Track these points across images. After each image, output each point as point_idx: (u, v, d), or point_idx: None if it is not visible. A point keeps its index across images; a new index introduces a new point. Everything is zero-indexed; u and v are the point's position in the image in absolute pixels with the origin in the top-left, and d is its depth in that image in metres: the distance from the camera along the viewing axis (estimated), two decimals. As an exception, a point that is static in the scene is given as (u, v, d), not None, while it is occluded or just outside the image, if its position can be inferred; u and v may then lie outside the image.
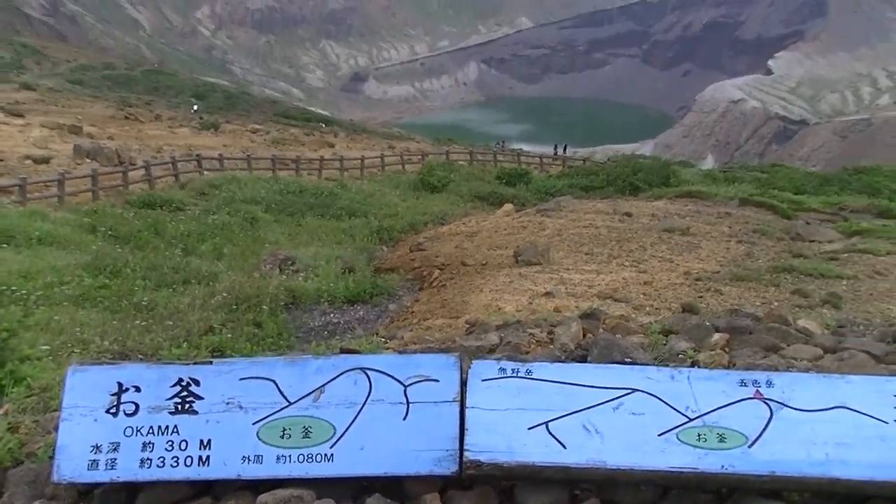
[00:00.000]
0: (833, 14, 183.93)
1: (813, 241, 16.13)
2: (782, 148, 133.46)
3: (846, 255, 14.40)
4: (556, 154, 59.74)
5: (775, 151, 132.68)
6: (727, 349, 4.80)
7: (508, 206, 23.82)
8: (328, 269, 15.53)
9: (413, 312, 12.46)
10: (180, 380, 3.80)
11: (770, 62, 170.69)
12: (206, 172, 30.31)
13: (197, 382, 3.79)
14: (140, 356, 9.53)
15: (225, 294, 12.50)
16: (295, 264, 15.81)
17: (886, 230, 16.74)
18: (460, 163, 43.92)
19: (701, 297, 11.22)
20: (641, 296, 11.34)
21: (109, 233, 17.80)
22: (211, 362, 3.93)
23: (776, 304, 10.98)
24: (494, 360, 3.88)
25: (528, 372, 3.69)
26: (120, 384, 3.80)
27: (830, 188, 27.63)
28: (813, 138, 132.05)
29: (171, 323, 11.02)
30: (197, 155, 32.07)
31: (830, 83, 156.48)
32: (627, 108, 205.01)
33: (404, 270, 15.93)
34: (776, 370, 4.05)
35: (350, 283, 14.40)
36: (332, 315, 13.20)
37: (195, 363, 3.93)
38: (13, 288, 11.22)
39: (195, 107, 63.03)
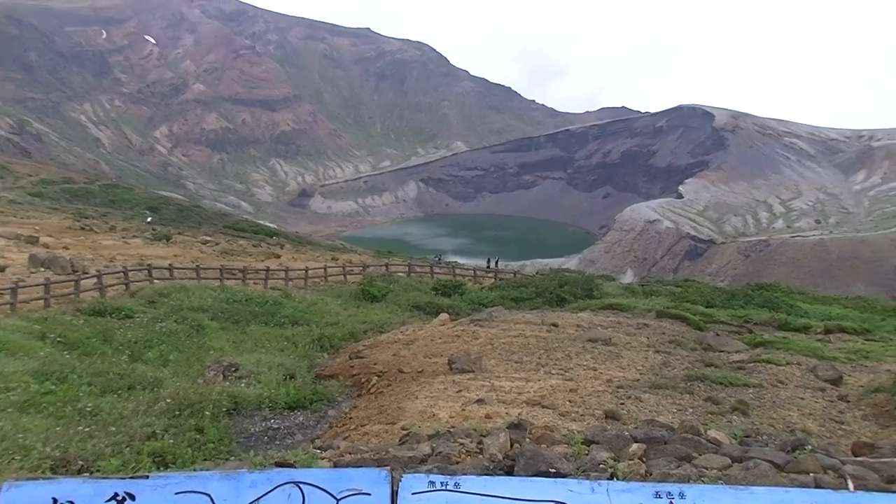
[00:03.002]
0: (732, 148, 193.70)
1: (722, 351, 16.41)
2: (693, 264, 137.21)
3: (751, 364, 14.67)
4: (488, 267, 60.27)
5: (687, 267, 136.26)
6: (644, 459, 4.79)
7: (444, 316, 23.75)
8: (270, 376, 15.18)
9: (351, 418, 12.18)
10: (115, 494, 3.60)
11: (680, 187, 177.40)
12: (156, 281, 29.67)
13: (132, 497, 3.60)
14: (81, 463, 9.08)
15: (169, 400, 12.07)
16: (239, 371, 15.42)
17: (786, 342, 17.16)
18: (399, 274, 43.93)
19: (622, 403, 11.26)
20: (567, 402, 11.32)
21: (59, 340, 17.18)
22: (147, 476, 3.75)
23: (690, 410, 11.08)
24: (424, 473, 3.79)
25: (457, 485, 3.61)
26: (55, 500, 3.59)
27: (737, 302, 28.32)
28: (720, 256, 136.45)
29: (114, 429, 10.55)
30: (148, 265, 31.47)
31: (733, 208, 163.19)
32: (554, 226, 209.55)
33: (344, 377, 15.65)
34: (688, 480, 4.04)
35: (291, 390, 14.07)
36: (272, 421, 12.81)
37: (131, 477, 3.74)
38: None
39: (149, 218, 62.36)
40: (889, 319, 25.12)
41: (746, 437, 5.80)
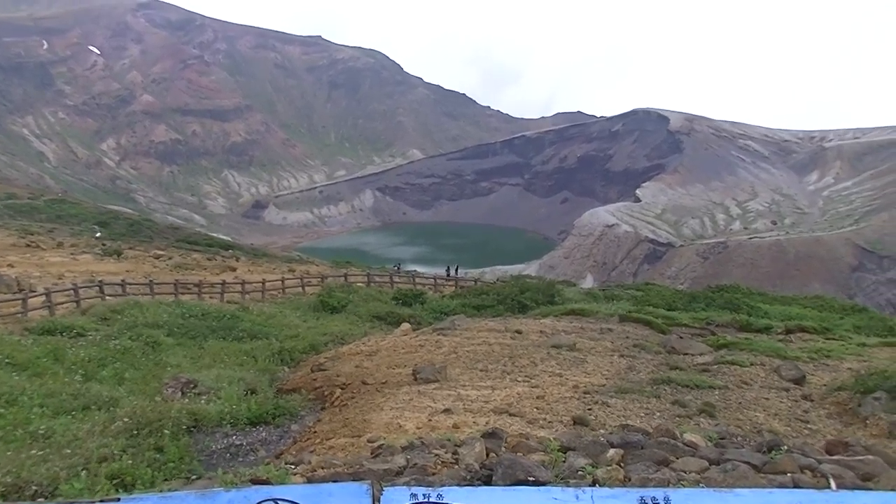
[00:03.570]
0: (688, 151, 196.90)
1: (686, 354, 16.62)
2: (653, 268, 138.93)
3: (716, 366, 14.88)
4: (448, 275, 60.35)
5: (647, 271, 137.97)
6: (622, 464, 4.81)
7: (406, 326, 23.69)
8: (231, 392, 14.97)
9: (316, 432, 12.05)
10: (85, 519, 3.51)
11: (638, 191, 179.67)
12: (108, 298, 29.12)
13: (102, 521, 3.51)
14: (35, 488, 8.83)
15: (126, 419, 11.79)
16: (197, 387, 15.18)
17: (748, 343, 17.44)
18: (358, 284, 43.79)
19: (590, 409, 11.33)
20: (535, 410, 11.35)
21: (6, 361, 16.70)
22: (118, 499, 3.66)
23: (658, 414, 11.19)
24: (405, 486, 3.76)
25: (440, 496, 3.58)
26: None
27: (698, 305, 28.74)
28: (679, 259, 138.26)
29: (69, 451, 10.27)
30: (99, 281, 30.88)
31: (690, 210, 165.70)
32: (513, 232, 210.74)
33: (306, 391, 15.49)
34: (668, 484, 4.07)
35: (252, 405, 13.88)
36: (234, 437, 12.61)
37: (101, 500, 3.65)
38: None
39: (98, 233, 61.14)
40: (847, 318, 25.75)
41: (721, 439, 5.87)
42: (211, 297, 33.52)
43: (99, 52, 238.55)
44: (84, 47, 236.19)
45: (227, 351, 20.84)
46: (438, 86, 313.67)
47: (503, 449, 5.35)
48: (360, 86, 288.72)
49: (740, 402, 11.96)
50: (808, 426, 10.82)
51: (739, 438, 5.95)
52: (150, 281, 33.34)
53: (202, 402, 14.02)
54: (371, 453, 6.13)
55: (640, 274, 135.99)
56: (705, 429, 7.52)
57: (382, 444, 6.24)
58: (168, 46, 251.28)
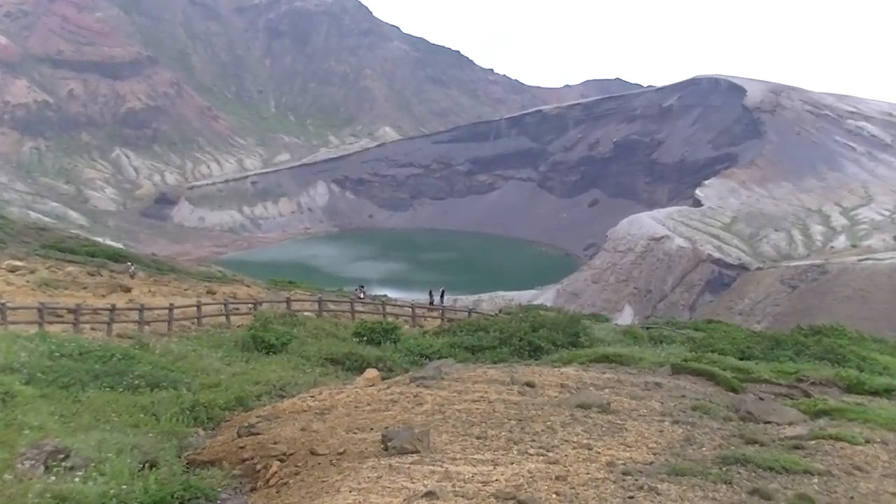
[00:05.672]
0: (772, 135, 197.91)
1: (769, 422, 16.59)
2: (718, 298, 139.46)
3: (814, 442, 14.83)
4: (431, 303, 60.48)
5: (709, 303, 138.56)
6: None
7: (372, 373, 23.67)
8: (119, 465, 14.85)
9: (242, 526, 12.03)
10: None
11: (698, 191, 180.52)
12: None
13: None
14: None
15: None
16: (70, 458, 15.06)
17: (861, 411, 17.34)
18: (306, 314, 44.04)
19: (632, 497, 11.30)
20: (553, 496, 11.32)
21: None
22: None
23: (730, 508, 11.17)
24: None
25: None
26: None
27: (783, 353, 28.78)
28: (755, 287, 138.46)
29: None
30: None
31: (773, 219, 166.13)
32: (521, 245, 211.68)
33: (230, 463, 15.43)
34: None
35: (151, 485, 13.78)
36: (123, 535, 12.57)
37: None
38: None
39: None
40: None
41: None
42: (94, 329, 33.41)
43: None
44: None
45: (115, 405, 20.69)
46: (422, 38, 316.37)
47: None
48: (312, 36, 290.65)
49: (852, 497, 11.90)
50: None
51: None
52: (2, 304, 33.11)
53: (76, 480, 13.89)
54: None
55: (700, 307, 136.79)
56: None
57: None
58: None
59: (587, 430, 15.50)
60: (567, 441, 14.67)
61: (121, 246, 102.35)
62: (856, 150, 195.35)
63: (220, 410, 21.11)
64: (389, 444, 13.93)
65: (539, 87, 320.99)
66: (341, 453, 14.31)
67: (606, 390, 19.35)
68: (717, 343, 31.40)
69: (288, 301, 46.45)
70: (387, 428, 14.90)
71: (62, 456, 15.09)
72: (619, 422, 16.24)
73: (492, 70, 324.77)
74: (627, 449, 14.31)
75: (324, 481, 12.78)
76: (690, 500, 11.42)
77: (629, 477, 12.30)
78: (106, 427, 18.34)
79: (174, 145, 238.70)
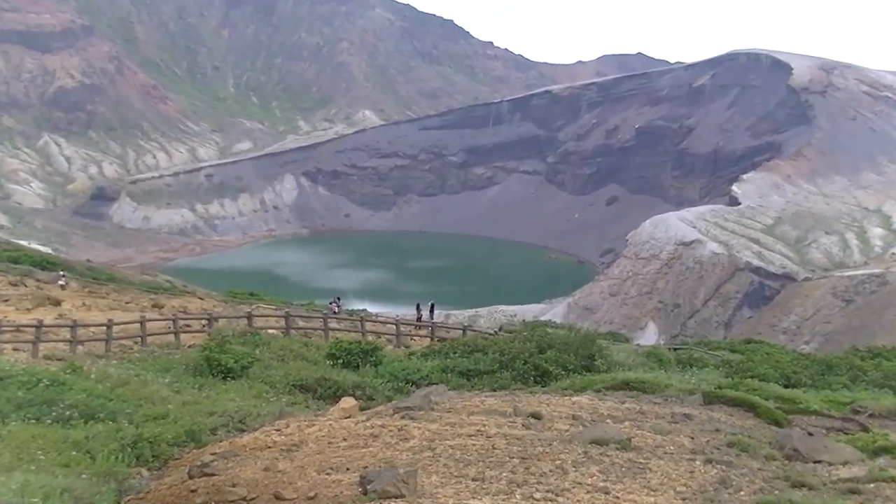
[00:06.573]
0: (823, 121, 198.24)
1: (819, 461, 16.55)
2: (758, 314, 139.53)
3: (872, 485, 14.78)
4: (419, 318, 60.40)
5: (748, 319, 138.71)
6: None
7: (349, 403, 23.59)
8: (47, 512, 14.79)
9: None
10: None
11: (735, 187, 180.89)
12: None
13: None
14: None
15: None
16: (-12, 504, 15.01)
17: (929, 448, 17.34)
18: (270, 332, 43.99)
19: (658, 551, 11.25)
20: (566, 553, 11.28)
21: None
22: None
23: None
24: None
25: None
26: None
27: (836, 379, 28.79)
28: (803, 301, 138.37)
29: None
30: None
31: (824, 220, 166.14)
32: (525, 251, 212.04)
33: (178, 510, 15.36)
34: None
35: (85, 536, 13.73)
36: None
37: None
38: None
39: None
40: None
41: None
42: (16, 350, 33.31)
43: None
44: None
45: (42, 441, 20.60)
46: (408, 6, 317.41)
47: None
48: (278, 2, 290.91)
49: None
50: None
51: None
52: None
53: (-5, 532, 13.85)
54: None
55: (738, 324, 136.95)
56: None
57: None
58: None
59: (603, 470, 15.44)
60: (580, 484, 14.60)
61: (50, 251, 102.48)
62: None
63: (167, 447, 20.99)
64: (369, 487, 13.85)
65: (547, 64, 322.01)
66: (312, 498, 14.23)
67: (626, 423, 19.29)
68: (757, 367, 31.41)
69: (249, 316, 46.33)
70: (366, 468, 14.83)
71: (-23, 502, 15.03)
72: (641, 461, 16.18)
73: (491, 43, 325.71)
74: (651, 493, 14.25)
75: (291, 532, 12.70)
76: (727, 553, 11.37)
77: (654, 526, 12.26)
78: (31, 467, 18.24)
79: (113, 131, 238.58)
